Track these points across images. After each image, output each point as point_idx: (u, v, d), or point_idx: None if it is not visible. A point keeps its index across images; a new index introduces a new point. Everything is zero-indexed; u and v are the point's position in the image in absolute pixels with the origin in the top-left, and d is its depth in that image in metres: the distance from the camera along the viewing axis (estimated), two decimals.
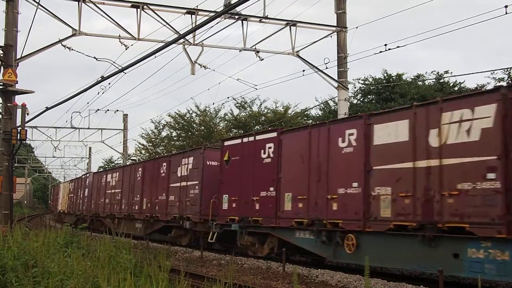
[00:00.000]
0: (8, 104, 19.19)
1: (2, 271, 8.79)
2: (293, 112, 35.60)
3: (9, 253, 9.54)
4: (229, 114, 38.28)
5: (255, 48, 20.22)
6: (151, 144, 45.57)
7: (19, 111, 19.29)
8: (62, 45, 19.07)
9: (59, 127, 44.19)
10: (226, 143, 17.99)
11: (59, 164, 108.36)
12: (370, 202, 12.02)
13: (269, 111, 36.16)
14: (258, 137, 16.36)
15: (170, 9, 19.45)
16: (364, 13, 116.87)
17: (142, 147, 46.82)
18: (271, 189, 15.34)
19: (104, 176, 32.21)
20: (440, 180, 10.46)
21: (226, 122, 38.59)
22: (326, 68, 19.66)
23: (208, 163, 19.43)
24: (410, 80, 30.38)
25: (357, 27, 20.48)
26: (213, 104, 47.91)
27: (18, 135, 18.86)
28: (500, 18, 15.35)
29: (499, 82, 24.91)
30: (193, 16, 19.23)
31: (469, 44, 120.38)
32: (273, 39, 50.52)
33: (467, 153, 10.01)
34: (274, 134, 15.69)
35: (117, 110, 41.64)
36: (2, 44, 19.06)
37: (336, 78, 19.94)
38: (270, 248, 15.81)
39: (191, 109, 39.20)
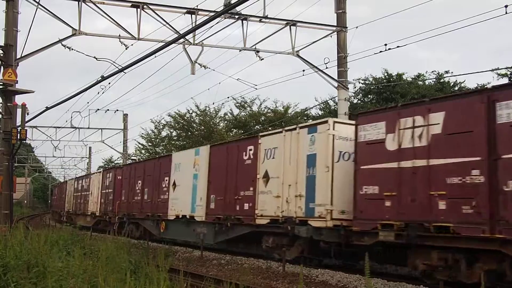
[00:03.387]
0: (8, 104, 19.19)
1: (4, 270, 8.79)
2: (293, 112, 35.61)
3: (10, 253, 9.55)
4: (229, 114, 38.34)
5: (255, 48, 20.21)
6: (151, 144, 45.65)
7: (19, 110, 19.30)
8: (62, 45, 19.07)
9: (59, 127, 44.15)
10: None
11: (59, 164, 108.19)
12: None
13: (269, 110, 36.18)
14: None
15: (170, 9, 19.45)
16: (364, 13, 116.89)
17: (142, 147, 46.95)
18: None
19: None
20: None
21: (226, 122, 38.62)
22: (326, 68, 19.67)
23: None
24: (410, 79, 30.42)
25: (357, 27, 20.50)
26: (213, 104, 47.89)
27: (18, 135, 18.87)
28: (500, 18, 15.31)
29: (502, 78, 25.02)
30: (193, 16, 19.22)
31: (470, 44, 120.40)
32: (273, 39, 50.46)
33: None
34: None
35: (117, 110, 41.63)
36: (2, 44, 19.06)
37: (336, 78, 19.94)
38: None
39: (191, 109, 39.26)
